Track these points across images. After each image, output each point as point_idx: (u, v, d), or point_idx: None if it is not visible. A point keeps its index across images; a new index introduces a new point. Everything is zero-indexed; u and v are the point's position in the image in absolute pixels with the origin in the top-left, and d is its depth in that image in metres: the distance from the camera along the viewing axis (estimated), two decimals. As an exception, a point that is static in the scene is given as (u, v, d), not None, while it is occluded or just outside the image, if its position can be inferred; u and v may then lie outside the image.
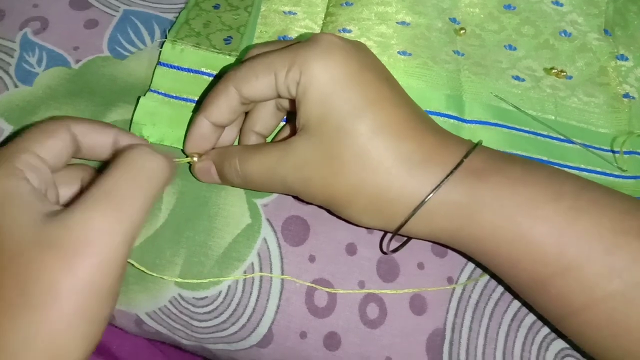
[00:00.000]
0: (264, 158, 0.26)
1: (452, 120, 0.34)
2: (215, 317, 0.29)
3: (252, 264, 0.29)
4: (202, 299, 0.29)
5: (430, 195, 0.24)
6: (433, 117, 0.34)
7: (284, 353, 0.29)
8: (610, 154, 0.35)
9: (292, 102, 0.26)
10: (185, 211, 0.29)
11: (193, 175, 0.30)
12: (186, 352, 0.32)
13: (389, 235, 0.27)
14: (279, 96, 0.26)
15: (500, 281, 0.30)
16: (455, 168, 0.24)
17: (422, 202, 0.24)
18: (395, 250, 0.29)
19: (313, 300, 0.29)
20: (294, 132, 0.29)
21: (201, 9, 0.36)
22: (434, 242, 0.30)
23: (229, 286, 0.29)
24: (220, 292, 0.29)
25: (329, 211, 0.29)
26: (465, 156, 0.24)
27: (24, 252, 0.19)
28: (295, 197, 0.30)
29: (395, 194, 0.24)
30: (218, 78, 0.33)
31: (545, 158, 0.34)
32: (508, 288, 0.29)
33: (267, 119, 0.29)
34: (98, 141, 0.26)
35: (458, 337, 0.29)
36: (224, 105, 0.27)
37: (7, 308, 0.19)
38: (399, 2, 0.37)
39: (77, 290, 0.19)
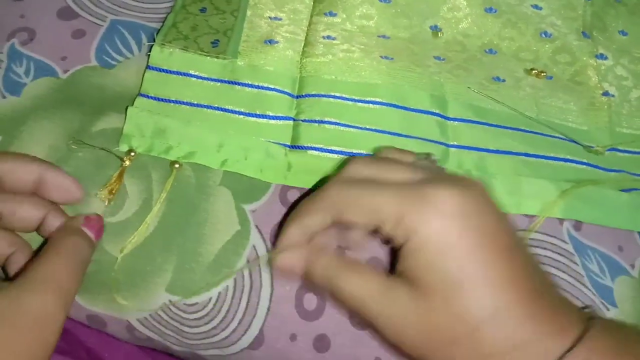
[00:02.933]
0: (362, 284, 0.24)
1: (436, 117, 0.35)
2: (206, 324, 0.29)
3: (242, 270, 0.29)
4: (192, 305, 0.29)
5: None
6: (417, 114, 0.34)
7: (275, 355, 0.29)
8: (592, 149, 0.35)
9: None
10: (175, 218, 0.30)
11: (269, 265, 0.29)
12: (178, 359, 0.32)
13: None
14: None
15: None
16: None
17: None
18: None
19: (302, 304, 0.29)
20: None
21: (188, 12, 0.37)
22: None
23: (219, 292, 0.29)
24: (210, 299, 0.29)
25: None
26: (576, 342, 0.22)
27: None
28: (283, 203, 0.31)
29: None
30: (208, 80, 0.34)
31: (531, 152, 0.34)
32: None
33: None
34: (22, 178, 0.27)
35: (445, 336, 0.29)
36: (316, 223, 0.26)
37: None
38: (380, 15, 0.38)
39: None
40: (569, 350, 0.22)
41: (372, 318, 0.24)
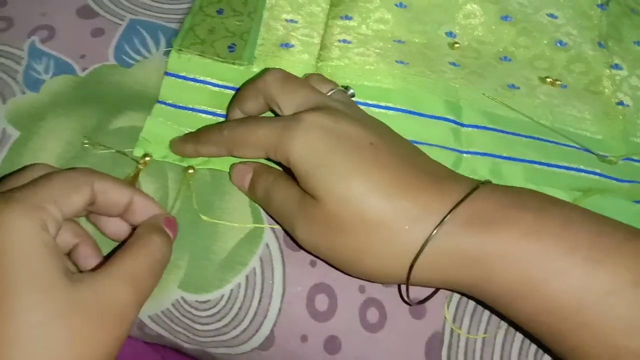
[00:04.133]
0: (285, 194, 0.28)
1: (450, 124, 0.35)
2: (218, 321, 0.29)
3: (254, 268, 0.29)
4: (204, 302, 0.29)
5: (426, 244, 0.24)
6: (432, 120, 0.34)
7: (285, 356, 0.29)
8: (606, 159, 0.35)
9: None
10: (190, 215, 0.30)
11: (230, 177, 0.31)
12: (187, 356, 0.32)
13: (404, 287, 0.27)
14: None
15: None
16: (445, 218, 0.24)
17: (419, 253, 0.24)
18: (423, 301, 0.29)
19: (314, 304, 0.29)
20: None
21: (205, 14, 0.37)
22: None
23: (232, 290, 0.29)
24: (222, 296, 0.29)
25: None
26: (458, 204, 0.24)
27: (45, 304, 0.20)
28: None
29: (399, 249, 0.25)
30: (223, 88, 0.34)
31: (544, 160, 0.34)
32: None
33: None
34: (115, 200, 0.26)
35: (456, 341, 0.29)
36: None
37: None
38: (396, 20, 0.38)
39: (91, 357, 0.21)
40: (451, 211, 0.24)
41: (291, 225, 0.27)
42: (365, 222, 0.25)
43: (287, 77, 0.29)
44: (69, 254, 0.27)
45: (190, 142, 0.31)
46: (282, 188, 0.28)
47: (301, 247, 0.28)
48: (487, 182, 0.26)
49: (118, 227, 0.28)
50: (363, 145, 0.26)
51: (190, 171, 0.31)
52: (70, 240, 0.27)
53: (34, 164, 0.27)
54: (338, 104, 0.28)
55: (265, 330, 0.29)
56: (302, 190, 0.27)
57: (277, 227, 0.30)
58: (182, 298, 0.29)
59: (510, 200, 0.25)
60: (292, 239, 0.29)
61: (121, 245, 0.25)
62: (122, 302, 0.22)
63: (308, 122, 0.26)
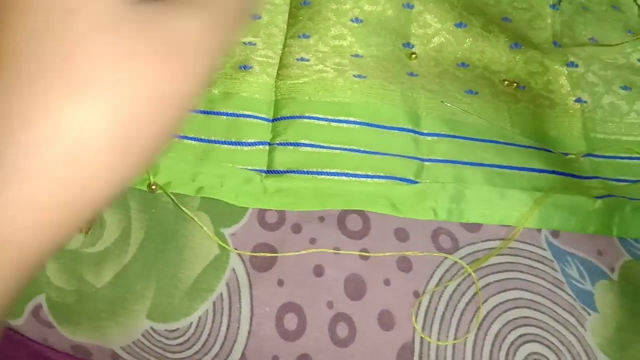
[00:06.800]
0: None
1: (410, 134, 0.35)
2: (188, 349, 0.29)
3: (221, 293, 0.30)
4: (173, 330, 0.29)
5: None
6: (392, 131, 0.35)
7: (258, 378, 0.29)
8: (567, 156, 0.36)
9: None
10: (154, 244, 0.30)
11: None
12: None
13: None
14: None
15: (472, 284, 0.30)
16: None
17: None
18: None
19: (283, 324, 0.29)
20: None
21: None
22: None
23: (200, 317, 0.29)
24: (191, 324, 0.29)
25: None
26: None
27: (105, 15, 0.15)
28: (262, 225, 0.31)
29: None
30: None
31: (504, 163, 0.35)
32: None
33: None
34: None
35: (427, 349, 0.29)
36: None
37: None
38: (353, 35, 0.39)
39: (164, 103, 0.15)
40: None
41: None
42: None
43: None
44: None
45: None
46: None
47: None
48: None
49: None
50: None
51: (153, 187, 0.31)
52: None
53: None
54: None
55: (236, 355, 0.29)
56: None
57: (243, 251, 0.31)
58: (152, 328, 0.29)
59: None
60: None
61: None
62: (193, 36, 0.16)
63: None
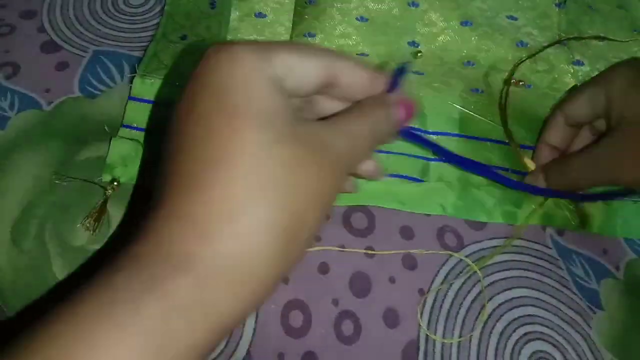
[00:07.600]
0: (584, 158, 0.31)
1: (416, 132, 0.35)
2: (194, 344, 0.29)
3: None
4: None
5: None
6: None
7: (264, 375, 0.29)
8: None
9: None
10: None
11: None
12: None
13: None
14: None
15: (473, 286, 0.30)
16: None
17: None
18: None
19: (289, 321, 0.29)
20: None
21: (169, 41, 0.38)
22: None
23: (205, 313, 0.29)
24: (197, 319, 0.29)
25: None
26: None
27: (270, 127, 0.19)
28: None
29: None
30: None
31: (507, 166, 0.35)
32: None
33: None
34: (356, 82, 0.24)
35: (432, 347, 0.29)
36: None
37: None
38: (358, 34, 0.39)
39: (318, 203, 0.20)
40: None
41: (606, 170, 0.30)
42: None
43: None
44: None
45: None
46: (575, 161, 0.32)
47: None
48: None
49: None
50: None
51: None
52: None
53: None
54: None
55: (242, 352, 0.29)
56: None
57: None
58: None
59: None
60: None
61: None
62: (338, 150, 0.21)
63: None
